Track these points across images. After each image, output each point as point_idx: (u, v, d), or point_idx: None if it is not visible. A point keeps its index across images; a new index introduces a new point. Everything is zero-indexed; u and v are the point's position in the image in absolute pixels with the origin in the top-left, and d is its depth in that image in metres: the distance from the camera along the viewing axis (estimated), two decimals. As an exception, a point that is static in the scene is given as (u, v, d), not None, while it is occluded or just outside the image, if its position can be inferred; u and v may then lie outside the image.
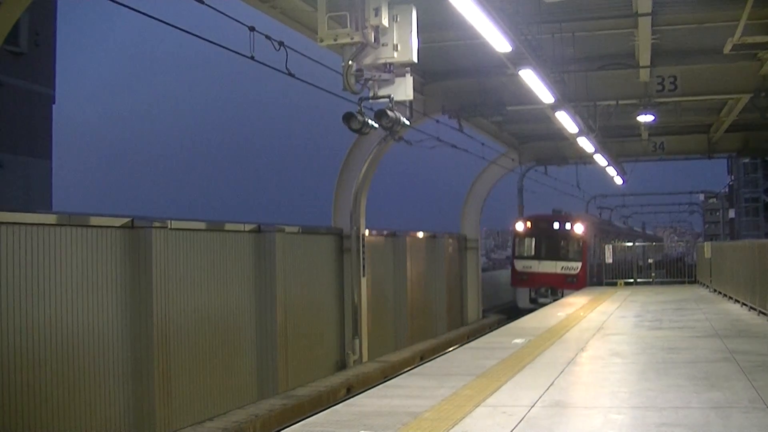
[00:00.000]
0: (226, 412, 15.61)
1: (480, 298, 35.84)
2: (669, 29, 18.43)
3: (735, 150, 37.45)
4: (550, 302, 29.93)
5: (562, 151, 35.70)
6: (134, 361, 14.05)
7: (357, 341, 22.11)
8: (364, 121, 11.96)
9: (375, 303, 24.30)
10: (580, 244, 36.02)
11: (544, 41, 16.55)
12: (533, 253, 36.64)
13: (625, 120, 26.81)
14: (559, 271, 35.62)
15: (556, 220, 37.08)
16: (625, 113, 25.67)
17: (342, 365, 21.96)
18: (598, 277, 37.09)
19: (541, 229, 36.80)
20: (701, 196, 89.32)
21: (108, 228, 13.77)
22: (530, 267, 36.22)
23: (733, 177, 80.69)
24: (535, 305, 32.04)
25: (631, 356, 13.75)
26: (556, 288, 35.04)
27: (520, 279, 36.58)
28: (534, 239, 36.81)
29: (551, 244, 36.43)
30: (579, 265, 35.58)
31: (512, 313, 34.52)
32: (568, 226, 36.27)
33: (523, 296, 36.11)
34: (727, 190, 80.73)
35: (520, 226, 37.39)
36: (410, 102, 13.03)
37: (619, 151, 33.42)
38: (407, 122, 12.68)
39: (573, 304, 24.75)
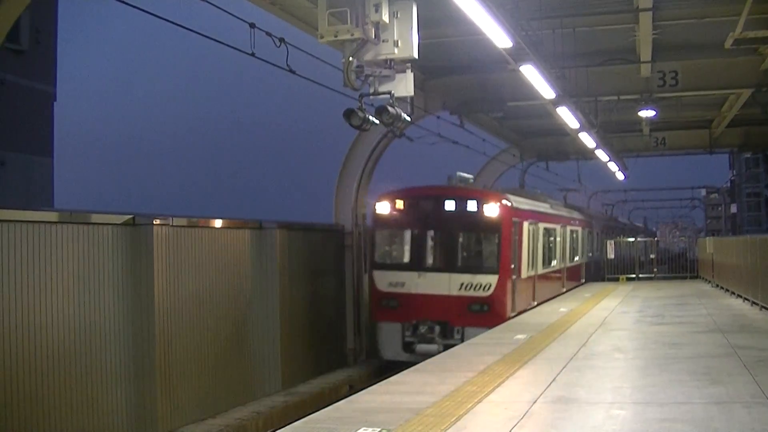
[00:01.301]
0: (228, 409, 15.64)
1: None
2: (670, 24, 18.41)
3: (736, 145, 37.46)
4: (438, 351, 17.36)
5: (563, 146, 35.67)
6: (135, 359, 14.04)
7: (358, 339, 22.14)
8: (365, 117, 11.94)
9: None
10: (497, 241, 20.16)
11: (544, 36, 16.54)
12: (407, 258, 20.85)
13: (627, 115, 26.78)
14: (455, 292, 19.74)
15: (451, 197, 20.72)
16: (626, 108, 25.64)
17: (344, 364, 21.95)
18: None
19: (421, 213, 20.83)
20: (703, 191, 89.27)
21: (110, 225, 13.75)
22: (402, 285, 20.18)
23: (734, 172, 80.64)
24: (413, 357, 18.76)
25: (633, 351, 13.76)
26: (449, 324, 19.69)
27: (383, 307, 20.38)
28: (409, 233, 20.94)
29: (441, 243, 20.64)
30: (493, 281, 19.73)
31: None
32: (472, 206, 20.35)
33: (389, 338, 20.18)
34: (728, 185, 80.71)
35: (383, 208, 20.83)
36: (411, 98, 13.03)
37: (620, 147, 33.35)
38: (408, 118, 12.65)
39: (574, 300, 24.74)
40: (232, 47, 12.42)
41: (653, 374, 11.35)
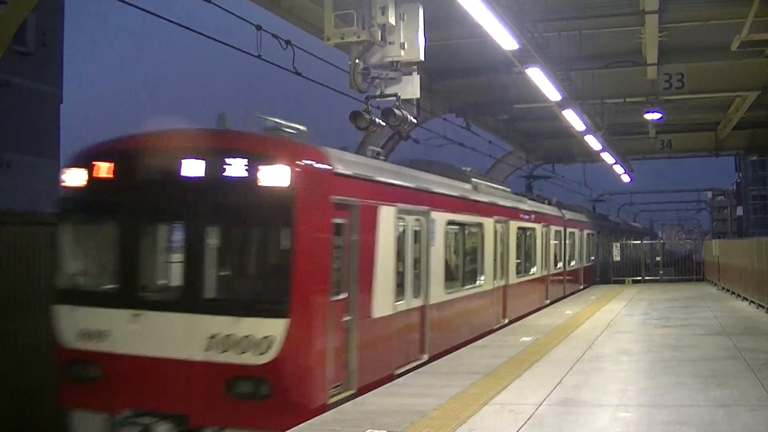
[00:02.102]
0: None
1: None
2: (676, 26, 18.42)
3: (742, 147, 37.49)
4: None
5: (569, 149, 35.69)
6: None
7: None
8: (372, 119, 11.96)
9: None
10: (288, 244, 9.49)
11: (550, 39, 16.55)
12: (113, 280, 10.14)
13: (633, 118, 26.81)
14: (199, 354, 9.28)
15: (195, 152, 9.74)
16: (632, 111, 25.66)
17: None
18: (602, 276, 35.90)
19: (140, 186, 10.03)
20: (709, 194, 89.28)
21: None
22: (102, 336, 9.66)
23: (740, 174, 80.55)
24: None
25: (639, 354, 13.74)
26: (188, 422, 9.25)
27: (74, 379, 9.78)
28: (116, 228, 10.22)
29: (177, 249, 10.19)
30: (277, 331, 9.14)
31: None
32: (238, 170, 9.50)
33: None
34: (734, 187, 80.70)
35: (75, 179, 10.16)
36: (417, 100, 13.06)
37: (626, 149, 33.36)
38: (414, 120, 12.67)
39: (580, 302, 24.71)
40: (239, 49, 12.45)
41: (659, 377, 11.34)
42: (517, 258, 20.48)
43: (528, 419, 8.74)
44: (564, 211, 28.74)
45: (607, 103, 23.67)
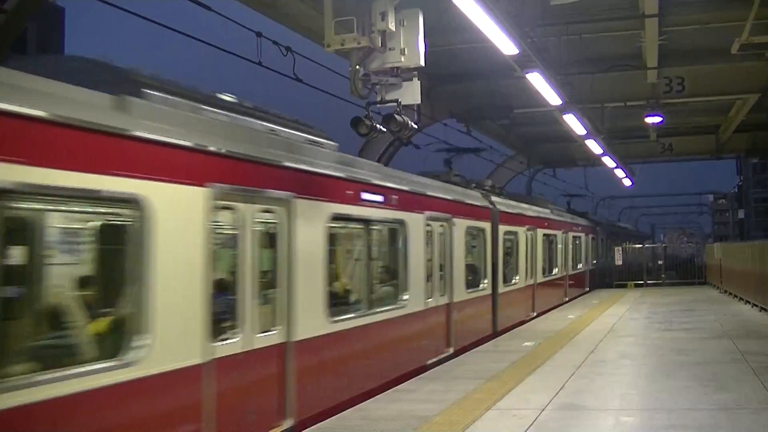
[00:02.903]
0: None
1: None
2: (676, 30, 18.41)
3: (743, 150, 37.42)
4: None
5: (570, 153, 35.68)
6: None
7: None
8: (372, 125, 11.95)
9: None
10: None
11: (550, 43, 16.56)
12: None
13: (633, 121, 26.79)
14: None
15: None
16: (632, 115, 25.64)
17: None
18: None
19: None
20: (710, 197, 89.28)
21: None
22: None
23: (742, 177, 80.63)
24: None
25: (641, 358, 13.73)
26: None
27: None
28: None
29: None
30: None
31: None
32: None
33: None
34: (736, 190, 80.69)
35: None
36: (418, 106, 13.03)
37: (627, 153, 33.33)
38: (415, 126, 12.66)
39: (582, 306, 24.69)
40: (240, 56, 12.46)
41: (661, 381, 11.34)
42: (361, 277, 11.96)
43: (531, 424, 8.74)
44: (495, 199, 19.58)
45: (607, 107, 23.67)
